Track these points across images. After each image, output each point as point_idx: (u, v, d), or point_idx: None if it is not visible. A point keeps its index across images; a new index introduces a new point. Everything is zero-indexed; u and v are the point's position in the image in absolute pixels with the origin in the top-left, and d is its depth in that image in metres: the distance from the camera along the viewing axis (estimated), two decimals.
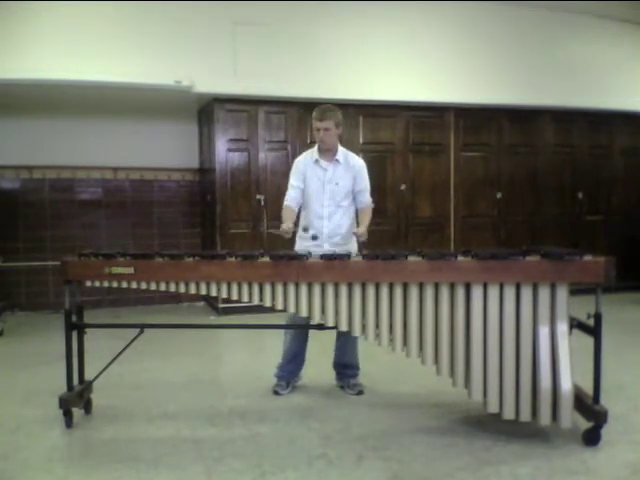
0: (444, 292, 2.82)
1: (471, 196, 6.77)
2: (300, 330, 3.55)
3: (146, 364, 4.21)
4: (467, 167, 6.75)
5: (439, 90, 6.42)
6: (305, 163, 3.57)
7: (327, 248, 3.40)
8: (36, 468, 2.60)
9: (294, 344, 3.59)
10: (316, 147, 3.57)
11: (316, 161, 3.53)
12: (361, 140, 6.33)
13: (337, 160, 3.52)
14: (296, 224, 3.56)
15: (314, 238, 3.44)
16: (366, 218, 3.53)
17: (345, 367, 3.64)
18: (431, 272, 2.81)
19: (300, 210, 3.62)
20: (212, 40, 5.75)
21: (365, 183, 3.57)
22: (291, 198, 3.55)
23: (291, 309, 2.95)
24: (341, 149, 3.56)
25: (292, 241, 3.65)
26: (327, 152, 3.52)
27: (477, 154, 6.79)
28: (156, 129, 6.65)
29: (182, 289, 2.99)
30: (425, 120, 6.58)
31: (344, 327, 2.92)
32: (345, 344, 3.58)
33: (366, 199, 3.58)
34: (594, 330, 2.77)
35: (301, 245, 3.55)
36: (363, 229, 3.39)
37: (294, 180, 3.57)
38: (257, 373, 3.93)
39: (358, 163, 3.57)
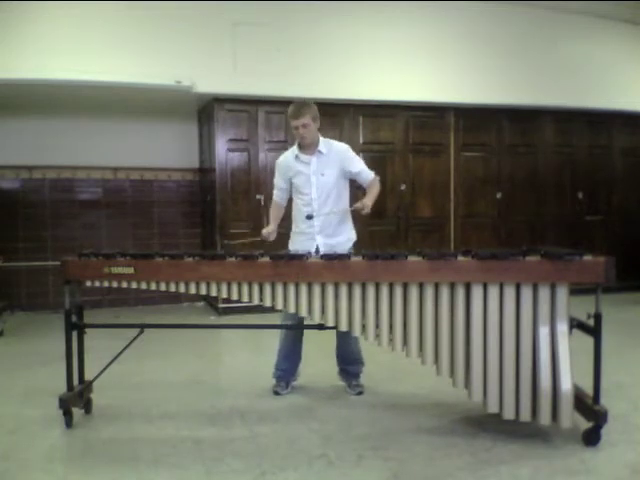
0: (444, 292, 2.81)
1: (471, 196, 6.77)
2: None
3: (146, 364, 4.21)
4: (467, 167, 6.75)
5: (439, 90, 6.42)
6: (286, 163, 3.56)
7: (320, 241, 3.42)
8: (36, 468, 2.60)
9: (287, 342, 3.59)
10: (296, 144, 3.56)
11: (296, 157, 3.52)
12: (361, 140, 6.34)
13: (320, 151, 3.49)
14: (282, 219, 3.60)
15: (309, 217, 3.43)
16: (373, 191, 3.48)
17: (349, 363, 3.61)
18: (431, 272, 2.80)
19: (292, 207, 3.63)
20: (212, 40, 5.75)
21: (357, 163, 3.52)
22: (278, 196, 3.62)
23: (291, 309, 2.94)
24: (322, 140, 3.53)
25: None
26: (308, 146, 3.50)
27: (477, 154, 6.79)
28: (156, 129, 6.66)
29: (182, 289, 2.99)
30: (425, 120, 6.58)
31: (344, 327, 2.92)
32: (346, 340, 3.55)
33: (368, 177, 3.53)
34: (594, 330, 2.76)
35: (294, 241, 3.55)
36: (367, 201, 3.34)
37: (277, 181, 3.61)
38: (257, 373, 3.93)
39: (341, 147, 3.55)
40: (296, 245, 3.51)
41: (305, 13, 6.02)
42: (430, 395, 3.46)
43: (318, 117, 3.48)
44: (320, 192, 3.47)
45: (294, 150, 3.55)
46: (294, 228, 3.60)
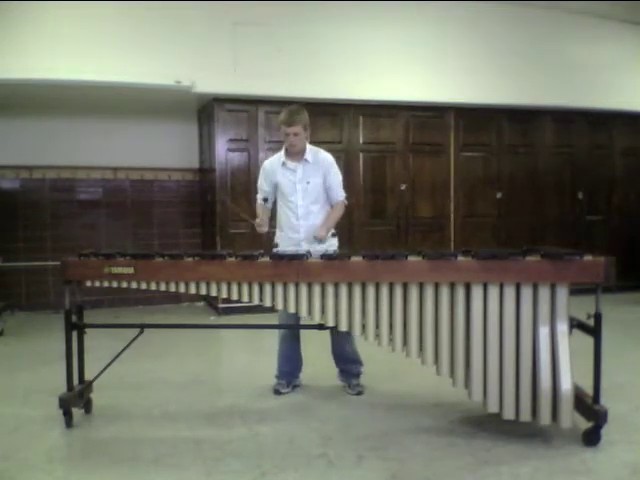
0: (444, 292, 2.81)
1: (471, 196, 6.77)
2: (289, 330, 3.56)
3: (146, 364, 4.21)
4: (467, 167, 6.75)
5: (439, 90, 6.42)
6: (273, 167, 3.56)
7: (305, 247, 3.40)
8: (36, 468, 2.60)
9: (285, 345, 3.60)
10: (283, 149, 3.55)
11: (283, 163, 3.52)
12: (361, 140, 6.32)
13: (306, 159, 3.50)
14: (271, 219, 3.62)
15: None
16: (332, 215, 3.54)
17: (347, 363, 3.61)
18: (431, 272, 2.81)
19: (276, 209, 3.65)
20: (212, 40, 5.75)
21: (334, 179, 3.54)
22: (262, 199, 3.62)
23: (291, 309, 2.95)
24: (309, 147, 3.54)
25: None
26: (296, 154, 3.51)
27: (477, 154, 6.79)
28: (156, 129, 6.66)
29: (182, 289, 2.99)
30: (425, 120, 6.58)
31: (344, 327, 2.92)
32: (340, 340, 3.55)
33: (337, 196, 3.56)
34: (594, 330, 2.77)
35: (280, 244, 3.56)
36: (322, 231, 3.44)
37: (261, 185, 3.61)
38: (257, 373, 3.94)
39: (328, 159, 3.55)
40: (282, 247, 3.53)
41: (305, 13, 6.02)
42: (430, 395, 3.46)
43: (309, 125, 3.50)
44: (305, 200, 3.50)
45: (281, 156, 3.55)
46: (279, 232, 3.63)
